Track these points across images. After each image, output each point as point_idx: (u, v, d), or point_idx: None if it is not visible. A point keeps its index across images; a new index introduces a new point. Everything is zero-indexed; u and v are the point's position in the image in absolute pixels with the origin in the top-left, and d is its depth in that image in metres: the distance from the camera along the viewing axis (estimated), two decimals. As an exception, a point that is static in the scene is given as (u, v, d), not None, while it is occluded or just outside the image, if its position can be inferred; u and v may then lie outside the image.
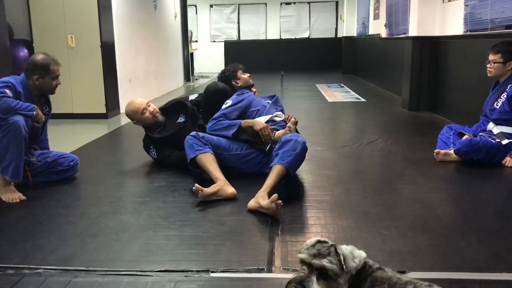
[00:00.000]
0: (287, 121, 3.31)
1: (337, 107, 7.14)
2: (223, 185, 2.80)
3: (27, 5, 5.82)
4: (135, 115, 3.55)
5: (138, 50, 7.60)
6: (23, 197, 2.86)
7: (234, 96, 3.44)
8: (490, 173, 3.32)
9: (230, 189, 2.81)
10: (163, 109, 3.74)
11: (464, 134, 3.69)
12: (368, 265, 1.40)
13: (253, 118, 3.34)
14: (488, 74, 3.60)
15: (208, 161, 2.96)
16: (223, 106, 3.36)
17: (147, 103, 3.58)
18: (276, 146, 3.03)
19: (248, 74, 3.68)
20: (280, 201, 2.46)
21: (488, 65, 3.56)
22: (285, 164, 2.79)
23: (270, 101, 3.56)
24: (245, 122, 3.24)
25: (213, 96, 3.55)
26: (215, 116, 3.31)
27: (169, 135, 3.53)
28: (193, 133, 3.09)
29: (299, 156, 2.89)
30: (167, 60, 9.61)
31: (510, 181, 3.24)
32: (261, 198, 2.58)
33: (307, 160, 3.10)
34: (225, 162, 3.12)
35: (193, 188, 2.68)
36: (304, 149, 2.92)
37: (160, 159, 3.58)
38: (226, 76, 3.64)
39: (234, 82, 3.61)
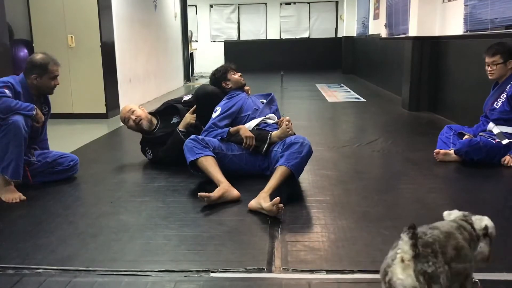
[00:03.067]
0: (279, 126, 3.22)
1: (337, 107, 7.14)
2: (227, 188, 2.78)
3: (27, 5, 5.81)
4: (124, 124, 3.69)
5: (138, 50, 7.60)
6: (23, 197, 2.86)
7: (223, 102, 3.37)
8: (490, 173, 3.32)
9: (234, 192, 2.79)
10: (157, 112, 3.77)
11: (464, 134, 3.69)
12: None
13: (244, 123, 3.29)
14: (490, 77, 3.56)
15: (209, 164, 2.93)
16: (213, 115, 3.31)
17: (132, 110, 3.59)
18: (279, 147, 3.02)
19: (239, 74, 3.59)
20: (281, 205, 2.45)
21: (489, 68, 3.53)
22: (291, 166, 2.78)
23: (264, 101, 3.54)
24: (233, 130, 3.20)
25: (203, 100, 3.50)
26: (206, 127, 3.30)
27: (163, 134, 3.56)
28: (192, 136, 3.07)
29: (304, 159, 2.88)
30: (167, 60, 9.61)
31: (510, 181, 3.24)
32: (263, 200, 2.57)
33: (307, 160, 3.10)
34: (227, 165, 3.09)
35: (199, 195, 2.66)
36: (309, 153, 2.91)
37: (155, 160, 3.62)
38: (216, 78, 3.58)
39: (224, 84, 3.54)
